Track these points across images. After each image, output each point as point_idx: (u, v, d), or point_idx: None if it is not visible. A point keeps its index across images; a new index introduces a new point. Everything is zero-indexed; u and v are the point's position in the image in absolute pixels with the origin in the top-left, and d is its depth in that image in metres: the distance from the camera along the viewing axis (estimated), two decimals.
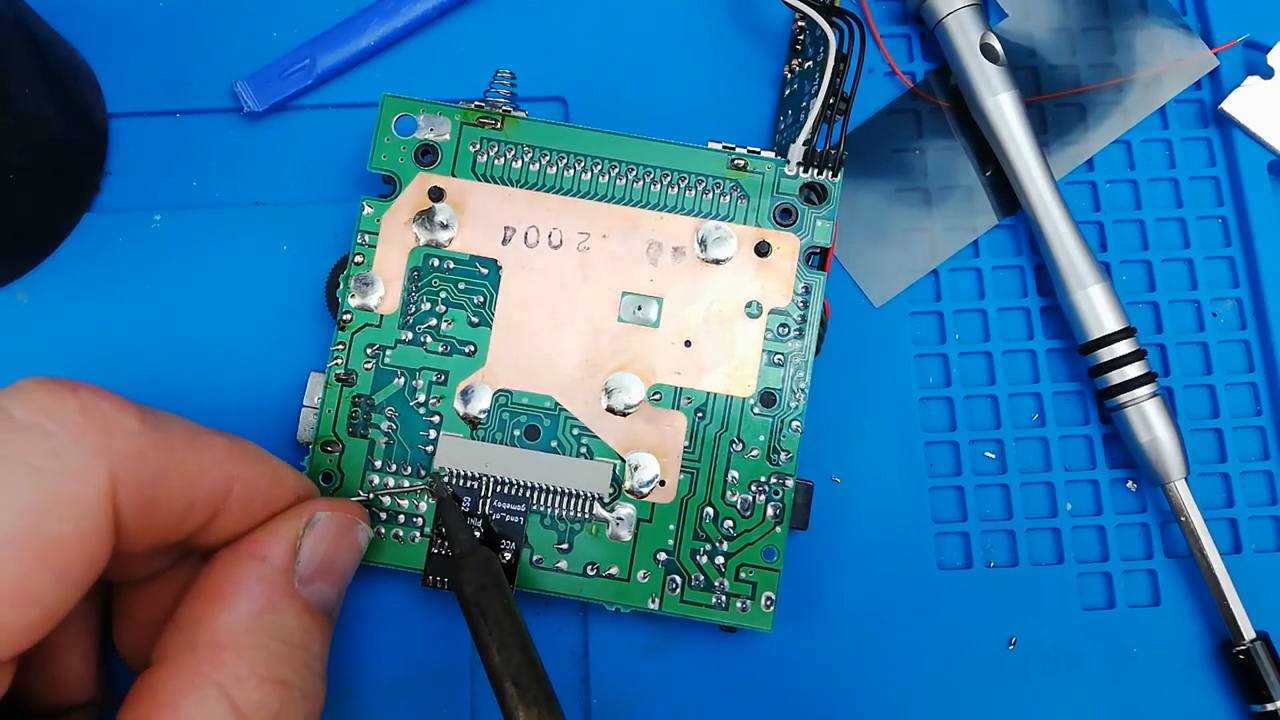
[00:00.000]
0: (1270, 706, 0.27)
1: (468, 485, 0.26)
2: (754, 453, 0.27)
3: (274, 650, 0.21)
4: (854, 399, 0.30)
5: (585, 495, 0.26)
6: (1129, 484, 0.30)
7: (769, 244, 0.27)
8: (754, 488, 0.26)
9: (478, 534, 0.26)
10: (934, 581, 0.29)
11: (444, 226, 0.27)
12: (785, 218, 0.27)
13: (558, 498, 0.26)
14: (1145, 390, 0.28)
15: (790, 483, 0.26)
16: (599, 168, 0.27)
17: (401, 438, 0.27)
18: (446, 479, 0.26)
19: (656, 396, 0.27)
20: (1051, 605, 0.29)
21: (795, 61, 0.31)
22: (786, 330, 0.27)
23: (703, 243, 0.27)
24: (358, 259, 0.27)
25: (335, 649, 0.28)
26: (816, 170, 0.27)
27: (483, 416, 0.27)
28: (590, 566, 0.26)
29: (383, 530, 0.26)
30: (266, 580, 0.21)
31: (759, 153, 0.27)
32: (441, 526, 0.26)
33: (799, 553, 0.29)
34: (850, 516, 0.29)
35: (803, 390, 0.27)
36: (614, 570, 0.26)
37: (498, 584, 0.23)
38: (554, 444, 0.27)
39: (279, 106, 0.30)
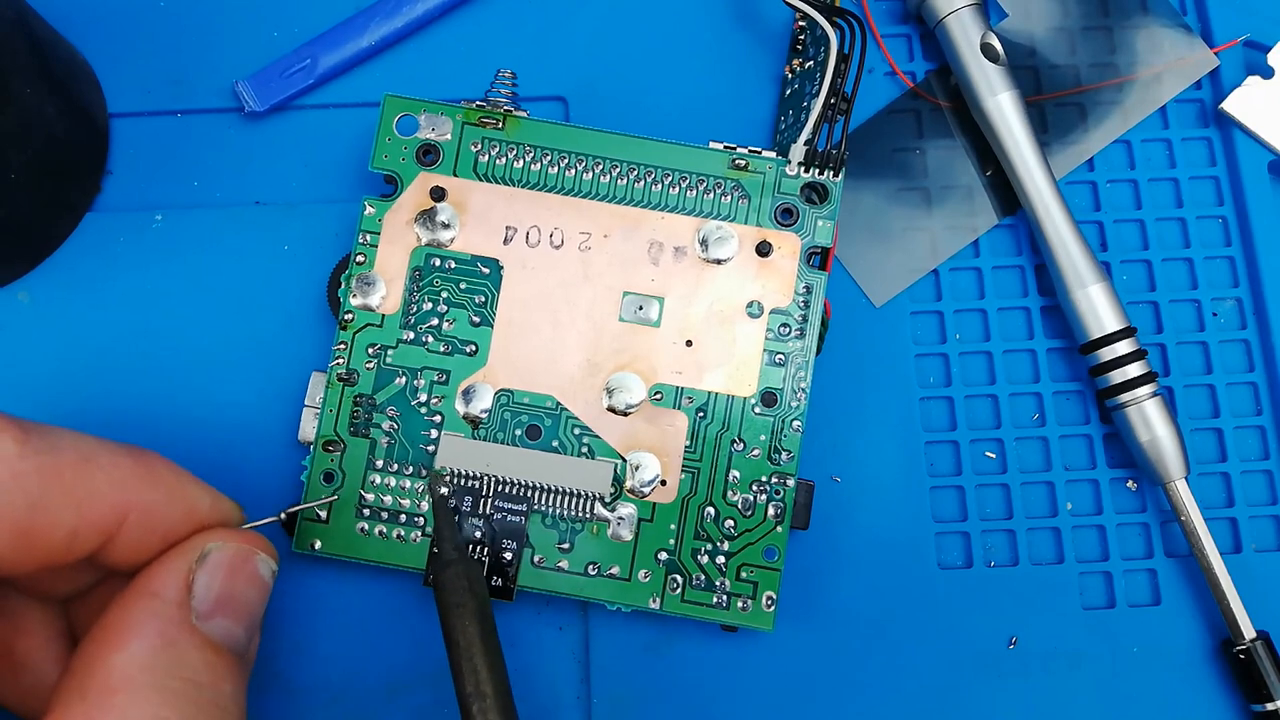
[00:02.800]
0: (1270, 706, 0.27)
1: (469, 485, 0.27)
2: (755, 452, 0.27)
3: (175, 690, 0.19)
4: (854, 399, 0.30)
5: (586, 495, 0.26)
6: (1129, 483, 0.30)
7: (770, 244, 0.27)
8: (755, 487, 0.26)
9: (479, 532, 0.26)
10: (934, 581, 0.29)
11: (445, 226, 0.27)
12: (786, 217, 0.27)
13: (559, 497, 0.26)
14: (1145, 390, 0.28)
15: (791, 482, 0.26)
16: (600, 167, 0.27)
17: (403, 437, 0.27)
18: (447, 478, 0.26)
19: (658, 396, 0.27)
20: (1051, 605, 0.29)
21: (796, 61, 0.31)
22: (787, 330, 0.27)
23: (704, 242, 0.27)
24: (359, 259, 0.27)
25: (335, 649, 0.28)
26: (817, 170, 0.27)
27: (484, 416, 0.27)
28: (591, 566, 0.26)
29: (383, 530, 0.26)
30: (160, 616, 0.20)
31: (760, 153, 0.27)
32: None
33: (800, 552, 0.29)
34: (851, 516, 0.29)
35: (804, 390, 0.27)
36: (615, 570, 0.26)
37: (467, 604, 0.22)
38: (555, 444, 0.27)
39: (280, 106, 0.30)
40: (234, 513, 0.23)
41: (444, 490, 0.26)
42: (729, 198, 0.27)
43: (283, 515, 0.25)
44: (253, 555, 0.22)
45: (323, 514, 0.26)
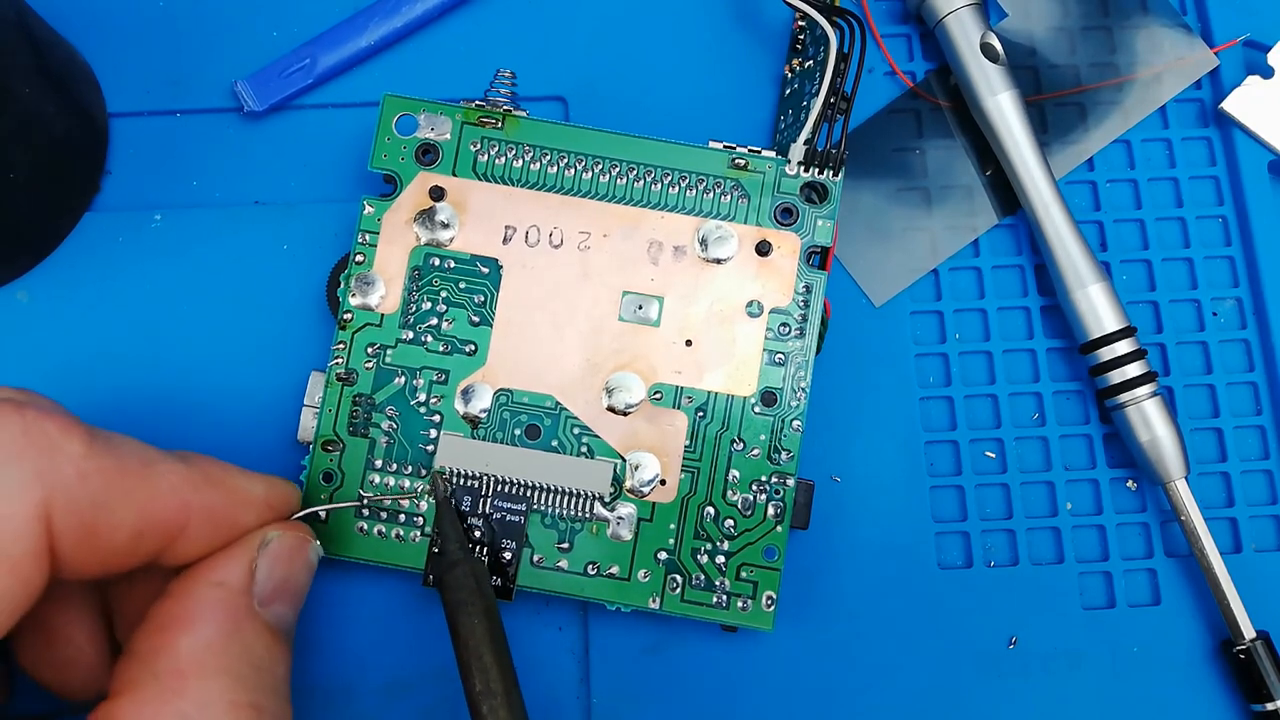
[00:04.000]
0: (1270, 706, 0.27)
1: (469, 484, 0.26)
2: (755, 452, 0.27)
3: (242, 674, 0.20)
4: (854, 398, 0.30)
5: (586, 494, 0.26)
6: (1129, 483, 0.30)
7: (770, 243, 0.27)
8: (755, 487, 0.26)
9: (479, 532, 0.26)
10: (934, 581, 0.29)
11: (445, 226, 0.27)
12: (786, 217, 0.27)
13: (558, 497, 0.26)
14: (1145, 390, 0.28)
15: (791, 482, 0.26)
16: (599, 167, 0.27)
17: (402, 437, 0.27)
18: (448, 478, 0.26)
19: (657, 396, 0.27)
20: (1051, 605, 0.29)
21: (796, 61, 0.31)
22: (787, 329, 0.27)
23: (703, 242, 0.27)
24: (358, 258, 0.27)
25: (335, 649, 0.28)
26: (817, 170, 0.27)
27: (483, 416, 0.27)
28: (591, 566, 0.26)
29: (383, 530, 0.26)
30: (227, 604, 0.21)
31: (760, 152, 0.27)
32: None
33: (800, 552, 0.29)
34: (851, 516, 0.29)
35: (803, 389, 0.27)
36: (614, 569, 0.26)
37: (474, 602, 0.23)
38: (555, 443, 0.27)
39: (279, 106, 0.30)
40: (291, 495, 0.24)
41: (446, 489, 0.26)
42: (729, 197, 0.27)
43: (323, 514, 0.26)
44: (306, 543, 0.23)
45: (322, 514, 0.26)
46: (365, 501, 0.26)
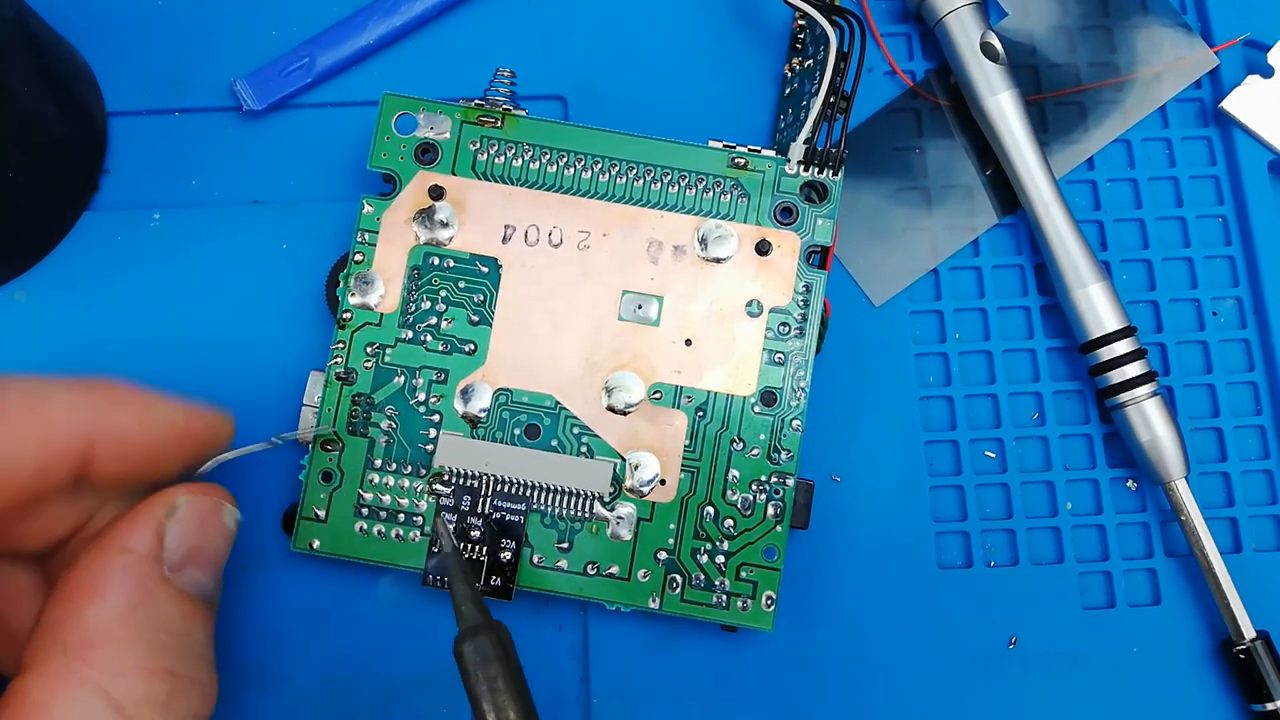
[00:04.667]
0: (1270, 706, 0.27)
1: (468, 484, 0.26)
2: (754, 452, 0.26)
3: (154, 641, 0.20)
4: (854, 398, 0.30)
5: (586, 494, 0.26)
6: (1129, 483, 0.30)
7: (769, 243, 0.27)
8: (754, 487, 0.26)
9: (478, 532, 0.26)
10: (934, 581, 0.29)
11: (444, 225, 0.27)
12: (786, 216, 0.27)
13: (558, 497, 0.26)
14: (1145, 389, 0.28)
15: (791, 482, 0.26)
16: (599, 166, 0.27)
17: (401, 436, 0.27)
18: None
19: (657, 395, 0.27)
20: (1051, 605, 0.29)
21: (795, 60, 0.31)
22: (787, 329, 0.27)
23: (703, 241, 0.27)
24: (358, 257, 0.27)
25: (335, 649, 0.28)
26: (817, 169, 0.27)
27: (483, 415, 0.27)
28: (591, 565, 0.26)
29: (382, 529, 0.26)
30: (134, 571, 0.21)
31: (759, 151, 0.27)
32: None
33: (799, 552, 0.29)
34: (850, 516, 0.29)
35: (803, 389, 0.27)
36: (614, 569, 0.26)
37: (505, 675, 0.20)
38: (554, 443, 0.27)
39: (278, 105, 0.30)
40: (218, 428, 0.24)
41: (451, 541, 0.24)
42: (728, 196, 0.27)
43: (275, 440, 0.25)
44: (220, 507, 0.23)
45: (321, 513, 0.26)
46: (277, 441, 0.25)
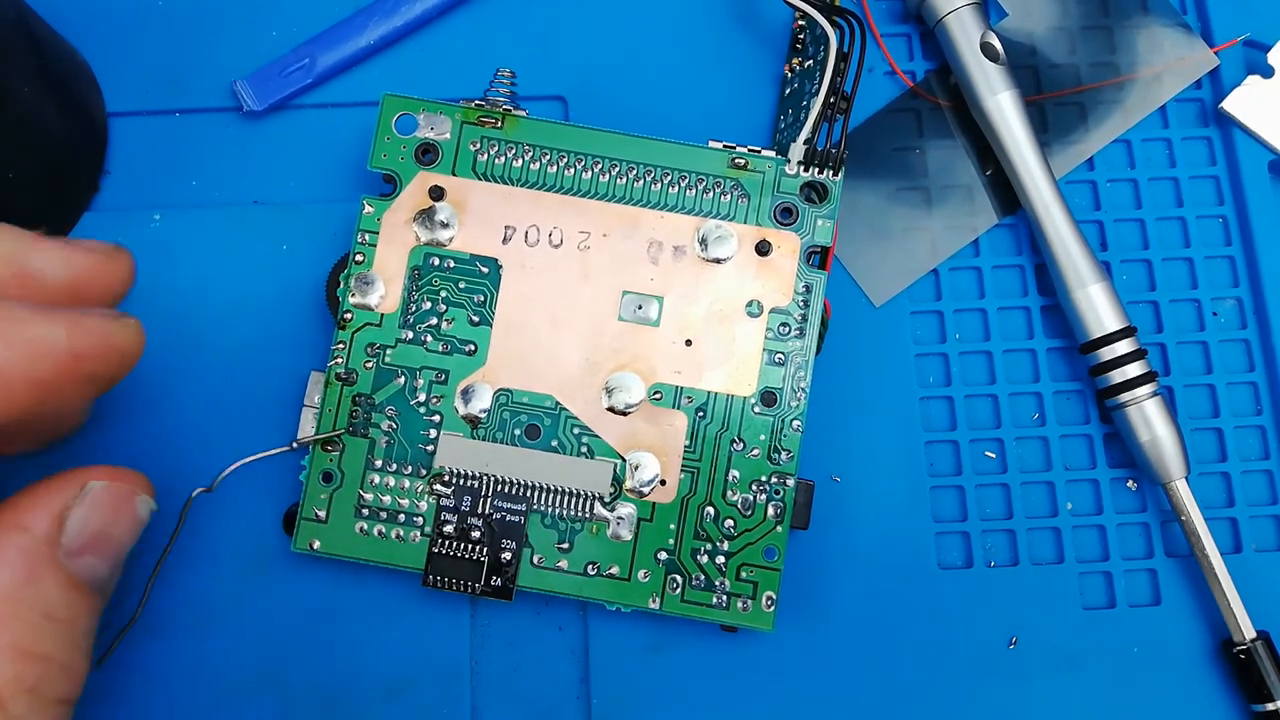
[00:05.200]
0: (1270, 706, 0.27)
1: (468, 484, 0.26)
2: (755, 452, 0.27)
3: (34, 623, 0.20)
4: (854, 398, 0.30)
5: (586, 495, 0.26)
6: (1129, 483, 0.30)
7: (769, 243, 0.27)
8: (755, 487, 0.26)
9: (478, 532, 0.26)
10: (934, 581, 0.29)
11: (444, 225, 0.27)
12: (786, 217, 0.27)
13: (558, 497, 0.26)
14: (1145, 389, 0.28)
15: (791, 482, 0.26)
16: (599, 167, 0.27)
17: (402, 437, 0.27)
18: (448, 477, 0.26)
19: (657, 396, 0.27)
20: (1051, 605, 0.29)
21: (796, 60, 0.31)
22: (787, 329, 0.27)
23: (703, 242, 0.27)
24: (358, 258, 0.27)
25: (335, 649, 0.28)
26: (817, 169, 0.27)
27: (483, 416, 0.27)
28: (591, 566, 0.26)
29: (382, 530, 0.26)
30: (27, 552, 0.20)
31: (759, 152, 0.27)
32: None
33: (799, 552, 0.29)
34: (850, 516, 0.29)
35: (803, 389, 0.27)
36: (614, 570, 0.26)
37: None
38: (554, 443, 0.27)
39: (279, 105, 0.30)
40: (110, 271, 0.22)
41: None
42: (728, 197, 0.27)
43: (294, 444, 0.25)
44: (134, 495, 0.22)
45: (321, 514, 0.26)
46: (295, 444, 0.25)
